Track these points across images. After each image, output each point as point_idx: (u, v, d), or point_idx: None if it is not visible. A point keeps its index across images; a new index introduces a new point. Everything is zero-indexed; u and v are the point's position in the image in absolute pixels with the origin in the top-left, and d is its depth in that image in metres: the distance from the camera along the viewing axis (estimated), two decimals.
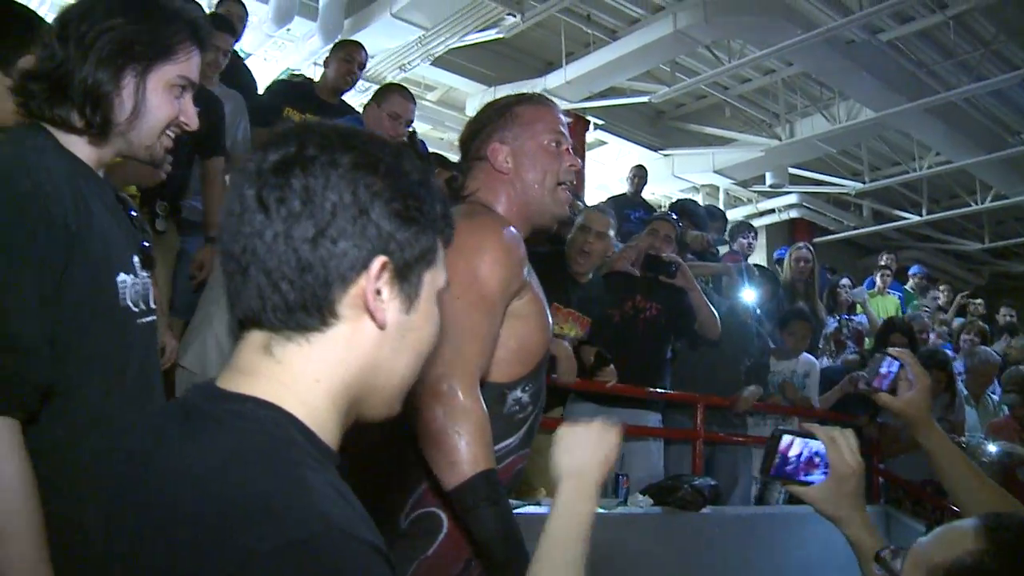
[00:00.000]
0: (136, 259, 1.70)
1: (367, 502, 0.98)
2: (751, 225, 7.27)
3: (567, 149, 2.04)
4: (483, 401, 1.75)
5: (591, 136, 11.34)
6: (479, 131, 2.04)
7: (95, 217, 1.57)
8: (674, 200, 8.62)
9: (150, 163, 1.75)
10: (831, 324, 6.97)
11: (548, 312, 2.01)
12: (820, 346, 6.63)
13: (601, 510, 3.73)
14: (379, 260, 0.95)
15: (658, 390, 4.48)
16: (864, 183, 11.89)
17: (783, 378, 5.44)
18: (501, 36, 8.77)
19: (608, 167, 11.83)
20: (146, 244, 1.78)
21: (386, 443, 1.84)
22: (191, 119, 1.72)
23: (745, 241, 6.78)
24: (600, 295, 4.37)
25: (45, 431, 1.52)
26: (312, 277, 0.94)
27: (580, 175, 10.03)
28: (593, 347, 4.10)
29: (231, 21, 4.90)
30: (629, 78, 9.75)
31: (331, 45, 8.31)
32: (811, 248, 6.82)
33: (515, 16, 8.31)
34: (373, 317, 0.98)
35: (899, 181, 11.81)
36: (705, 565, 3.83)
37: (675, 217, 5.13)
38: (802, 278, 6.53)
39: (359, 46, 5.19)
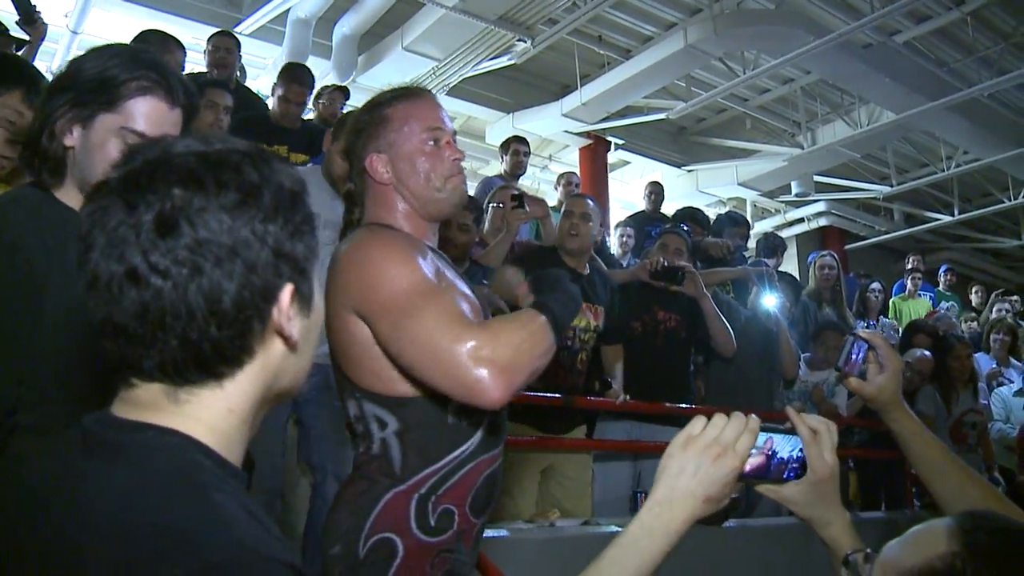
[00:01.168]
0: None
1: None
2: (781, 239, 7.14)
3: (448, 142, 1.96)
4: (425, 422, 1.78)
5: (614, 156, 11.33)
6: (356, 140, 1.98)
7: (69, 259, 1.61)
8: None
9: None
10: (860, 328, 6.86)
11: (476, 304, 1.89)
12: None
13: (615, 528, 3.69)
14: (288, 289, 0.93)
15: (681, 404, 4.42)
16: (892, 186, 11.75)
17: (812, 388, 5.38)
18: (514, 62, 8.80)
19: (632, 186, 11.80)
20: None
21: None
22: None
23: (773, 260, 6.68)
24: (618, 305, 4.34)
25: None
26: (230, 330, 0.90)
27: (604, 196, 10.05)
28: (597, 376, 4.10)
29: (224, 80, 5.02)
30: (646, 96, 9.75)
31: (347, 81, 8.55)
32: (835, 255, 6.75)
33: (526, 42, 8.34)
34: (287, 341, 0.96)
35: (928, 182, 11.66)
36: None
37: (685, 229, 5.09)
38: (827, 285, 6.47)
39: (298, 82, 5.10)
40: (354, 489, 1.85)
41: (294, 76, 5.13)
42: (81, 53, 1.77)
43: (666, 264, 4.45)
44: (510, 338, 1.62)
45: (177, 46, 4.49)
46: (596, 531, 3.64)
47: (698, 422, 1.25)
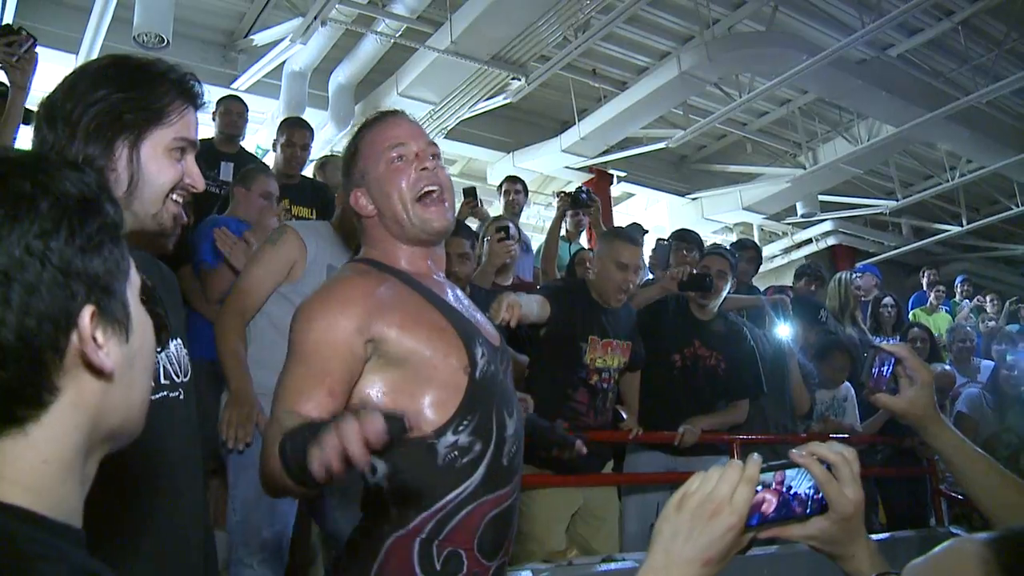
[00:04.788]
0: None
1: None
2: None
3: (416, 154, 1.90)
4: (414, 464, 1.74)
5: (617, 190, 11.34)
6: (343, 182, 1.99)
7: None
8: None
9: (160, 233, 1.66)
10: None
11: (456, 337, 1.81)
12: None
13: (633, 564, 3.61)
14: (87, 311, 0.82)
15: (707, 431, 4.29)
16: (898, 200, 11.71)
17: (824, 407, 5.29)
18: (510, 101, 8.83)
19: (638, 218, 11.79)
20: (160, 319, 1.72)
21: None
22: (196, 180, 1.65)
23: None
24: (656, 331, 4.31)
25: None
26: (17, 366, 0.79)
27: (609, 226, 10.03)
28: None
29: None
30: (644, 126, 9.77)
31: (346, 130, 8.59)
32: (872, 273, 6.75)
33: (520, 80, 8.36)
34: (99, 371, 0.84)
35: (933, 193, 11.60)
36: None
37: (730, 251, 4.98)
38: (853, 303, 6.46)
39: (299, 127, 5.18)
40: (360, 535, 1.81)
41: (295, 121, 5.30)
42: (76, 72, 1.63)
43: (694, 272, 4.40)
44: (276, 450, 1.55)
45: None
46: (614, 567, 3.56)
47: (695, 479, 1.16)
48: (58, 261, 0.80)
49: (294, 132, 5.07)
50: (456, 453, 1.75)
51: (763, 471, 1.23)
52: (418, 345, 1.76)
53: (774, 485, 1.24)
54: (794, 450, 1.28)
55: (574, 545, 3.85)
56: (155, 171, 1.59)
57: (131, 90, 1.58)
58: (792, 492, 1.25)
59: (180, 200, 1.66)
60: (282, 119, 5.54)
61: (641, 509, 4.32)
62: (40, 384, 0.81)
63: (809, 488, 1.26)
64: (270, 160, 5.37)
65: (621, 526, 4.29)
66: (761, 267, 11.16)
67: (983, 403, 5.71)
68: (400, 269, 1.90)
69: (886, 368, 1.61)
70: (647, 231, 6.38)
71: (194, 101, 1.66)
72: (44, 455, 0.82)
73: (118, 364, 0.86)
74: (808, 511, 1.26)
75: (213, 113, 5.32)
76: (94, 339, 0.83)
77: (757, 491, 1.21)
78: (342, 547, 1.90)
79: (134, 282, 0.91)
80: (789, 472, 1.25)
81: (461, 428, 1.76)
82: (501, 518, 1.83)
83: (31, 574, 0.74)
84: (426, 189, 1.88)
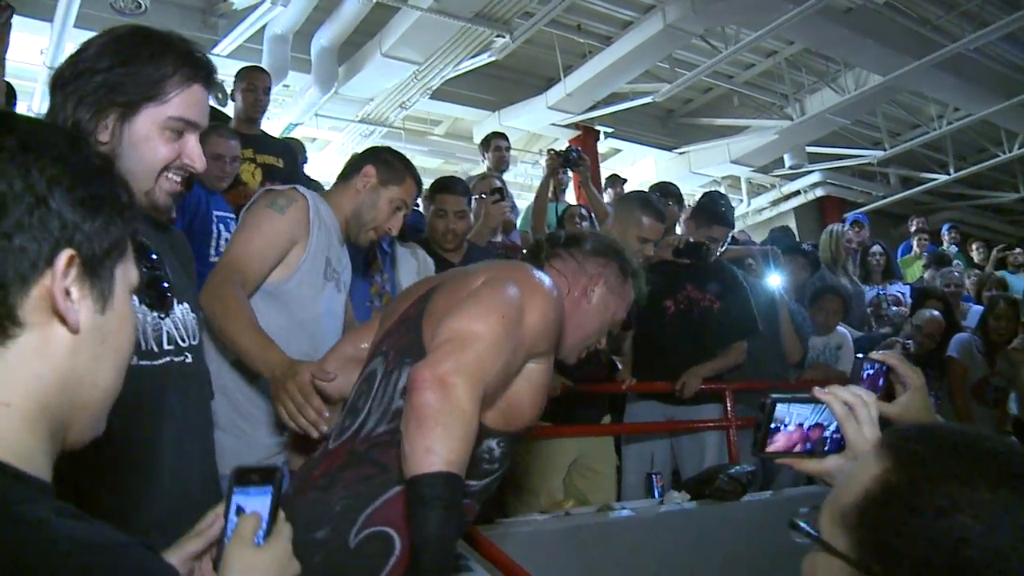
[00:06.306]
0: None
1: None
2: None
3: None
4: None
5: (604, 146, 11.30)
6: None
7: None
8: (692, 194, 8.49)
9: (153, 210, 1.66)
10: (869, 295, 6.81)
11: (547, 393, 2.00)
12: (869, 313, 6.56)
13: (630, 512, 3.65)
14: (65, 254, 0.82)
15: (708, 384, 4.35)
16: (885, 150, 11.66)
17: (816, 354, 5.32)
18: (495, 59, 8.75)
19: (625, 173, 11.76)
20: (165, 285, 1.70)
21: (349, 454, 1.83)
22: (195, 159, 1.64)
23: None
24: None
25: None
26: None
27: (597, 185, 10.00)
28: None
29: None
30: (630, 81, 9.70)
31: (330, 93, 8.53)
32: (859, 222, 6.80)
33: (504, 36, 8.28)
34: (64, 320, 0.84)
35: (921, 143, 11.55)
36: (751, 554, 3.69)
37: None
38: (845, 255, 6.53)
39: (258, 71, 5.14)
40: (356, 472, 1.80)
41: (254, 67, 5.26)
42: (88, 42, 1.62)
43: (690, 240, 4.40)
44: None
45: None
46: (611, 517, 3.59)
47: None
48: (57, 205, 0.82)
49: (256, 75, 5.01)
50: (487, 456, 1.91)
51: (786, 402, 1.35)
52: (544, 380, 1.97)
53: (795, 418, 1.34)
54: (817, 388, 1.39)
55: (571, 497, 3.88)
56: (147, 148, 1.58)
57: (132, 64, 1.57)
58: (808, 428, 1.36)
59: (177, 178, 1.64)
60: (241, 68, 5.36)
61: (639, 459, 4.36)
62: (2, 307, 0.81)
63: (828, 426, 1.37)
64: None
65: (619, 477, 4.33)
66: (748, 219, 11.21)
67: (973, 348, 5.74)
68: None
69: (876, 375, 1.62)
70: (679, 194, 6.27)
71: (201, 79, 1.64)
72: (4, 396, 0.82)
73: (87, 327, 0.87)
74: (826, 449, 1.37)
75: (232, 91, 5.15)
76: (68, 291, 0.84)
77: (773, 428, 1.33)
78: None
79: (130, 276, 0.93)
80: (808, 408, 1.35)
81: (502, 443, 1.94)
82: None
83: (16, 518, 0.74)
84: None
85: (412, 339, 1.89)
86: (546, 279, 1.93)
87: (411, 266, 3.71)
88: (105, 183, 0.88)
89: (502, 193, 4.34)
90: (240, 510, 1.10)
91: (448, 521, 1.52)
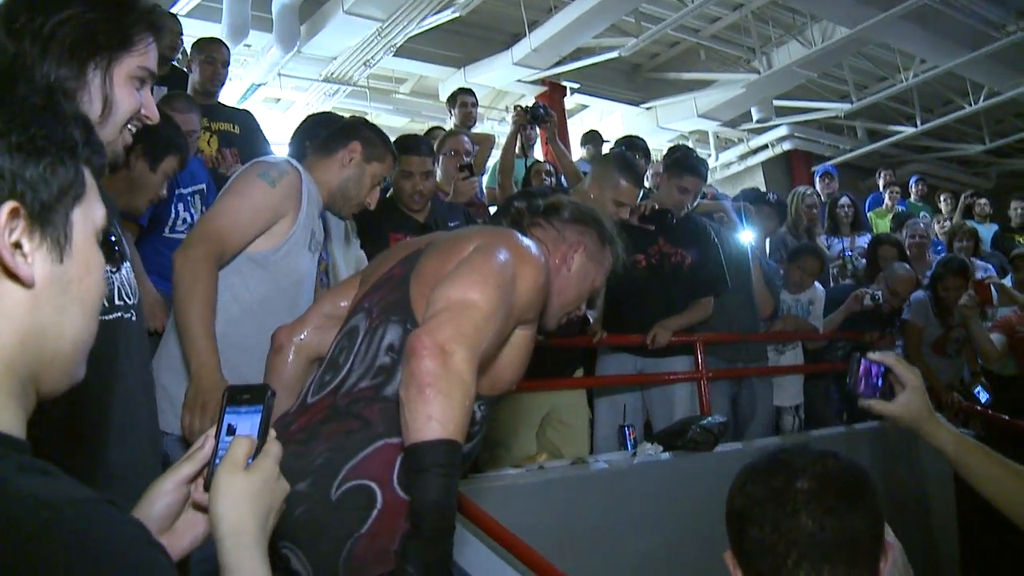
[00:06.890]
0: None
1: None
2: None
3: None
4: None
5: (571, 102, 11.23)
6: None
7: None
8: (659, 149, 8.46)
9: (112, 163, 1.58)
10: (836, 247, 6.84)
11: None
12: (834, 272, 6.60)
13: (603, 464, 3.65)
14: (7, 206, 0.78)
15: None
16: (852, 103, 11.66)
17: (787, 309, 5.35)
18: (459, 15, 8.64)
19: (593, 128, 11.73)
20: (112, 238, 1.66)
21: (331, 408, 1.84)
22: (152, 112, 1.61)
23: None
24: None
25: None
26: None
27: (565, 141, 9.95)
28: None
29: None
30: (596, 35, 9.59)
31: (292, 52, 8.37)
32: (819, 193, 6.84)
33: None
34: (16, 276, 0.81)
35: (888, 95, 11.58)
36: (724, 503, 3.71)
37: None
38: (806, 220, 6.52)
39: (218, 43, 5.03)
40: (338, 426, 1.81)
41: (214, 40, 5.14)
42: None
43: (656, 207, 4.38)
44: None
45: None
46: (586, 470, 3.59)
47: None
48: None
49: (216, 48, 4.90)
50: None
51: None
52: (527, 347, 2.02)
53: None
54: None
55: (544, 450, 3.88)
56: (120, 98, 1.54)
57: (103, 11, 1.50)
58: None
59: (133, 130, 1.61)
60: (198, 39, 5.22)
61: (611, 412, 4.36)
62: None
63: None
64: None
65: (592, 431, 4.34)
66: (716, 174, 11.20)
67: (928, 308, 5.78)
68: None
69: (875, 376, 1.70)
70: (645, 148, 6.23)
71: (158, 34, 1.61)
72: None
73: (45, 279, 0.83)
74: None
75: (188, 62, 5.02)
76: (18, 243, 0.80)
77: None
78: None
79: (93, 217, 0.89)
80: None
81: (482, 407, 1.96)
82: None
83: None
84: None
85: (398, 297, 1.94)
86: (534, 246, 1.98)
87: (339, 231, 3.63)
88: (47, 122, 0.82)
89: (471, 169, 4.34)
90: (232, 429, 1.11)
91: (449, 487, 1.60)
